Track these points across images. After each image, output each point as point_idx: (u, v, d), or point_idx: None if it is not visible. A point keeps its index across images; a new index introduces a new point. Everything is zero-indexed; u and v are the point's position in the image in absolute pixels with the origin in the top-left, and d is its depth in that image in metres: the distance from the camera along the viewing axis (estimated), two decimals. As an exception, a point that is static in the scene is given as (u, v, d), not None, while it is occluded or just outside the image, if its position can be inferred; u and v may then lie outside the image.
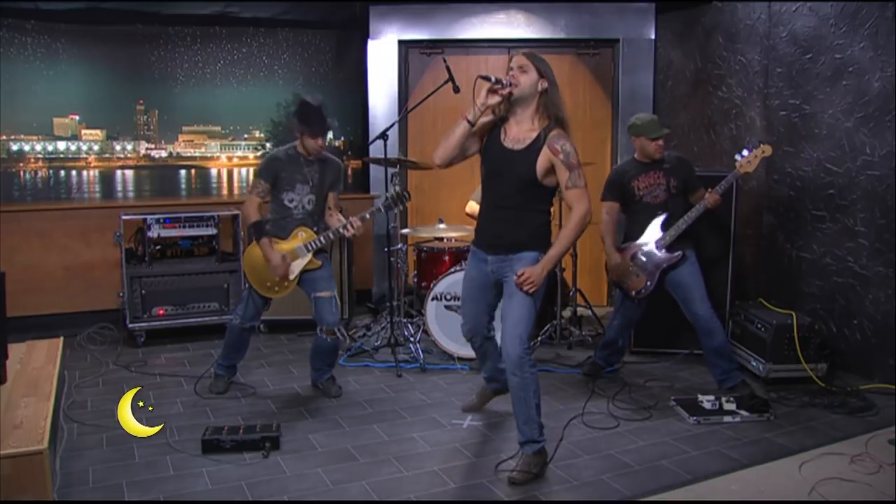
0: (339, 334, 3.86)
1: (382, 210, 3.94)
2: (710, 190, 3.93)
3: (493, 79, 2.83)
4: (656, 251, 3.96)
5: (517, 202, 2.94)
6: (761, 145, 3.97)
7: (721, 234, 4.53)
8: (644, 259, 3.99)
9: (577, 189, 2.88)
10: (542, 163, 2.87)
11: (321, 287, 3.85)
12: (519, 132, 2.93)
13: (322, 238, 3.83)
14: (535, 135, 2.90)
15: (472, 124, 2.89)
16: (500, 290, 3.11)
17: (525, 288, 2.88)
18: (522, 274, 2.88)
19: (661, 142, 3.98)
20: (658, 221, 3.97)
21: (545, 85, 2.90)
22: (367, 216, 3.85)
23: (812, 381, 4.00)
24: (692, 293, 3.90)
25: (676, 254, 3.92)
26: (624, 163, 4.20)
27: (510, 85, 2.85)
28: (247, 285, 3.94)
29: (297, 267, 3.83)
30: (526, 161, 2.88)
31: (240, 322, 3.90)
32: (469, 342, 3.42)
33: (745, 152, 3.96)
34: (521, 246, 2.96)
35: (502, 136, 2.95)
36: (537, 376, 3.00)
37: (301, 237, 3.83)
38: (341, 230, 3.80)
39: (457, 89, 4.29)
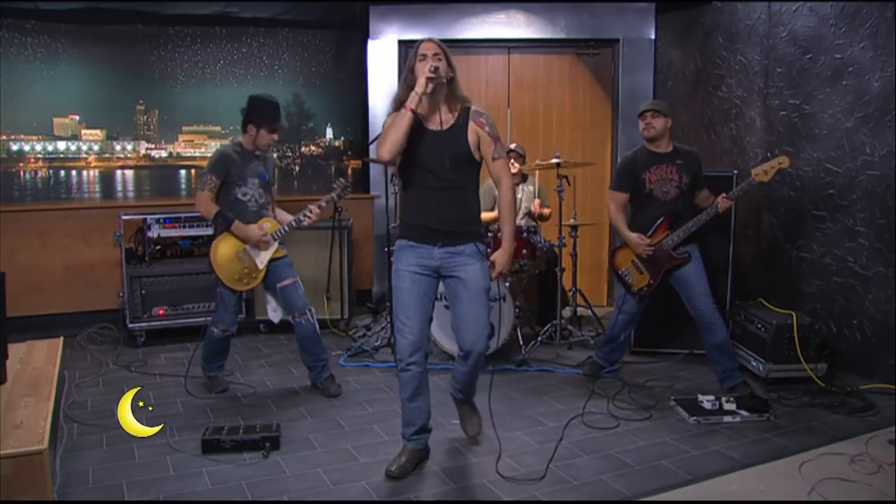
0: (310, 314, 3.92)
1: (335, 199, 4.09)
2: (723, 195, 3.88)
3: (432, 69, 2.86)
4: (661, 250, 3.94)
5: (456, 181, 2.94)
6: (780, 156, 3.91)
7: (721, 234, 4.53)
8: (649, 256, 3.98)
9: (502, 159, 3.03)
10: (471, 137, 2.95)
11: (284, 275, 3.93)
12: (438, 117, 2.96)
13: (286, 227, 3.93)
14: (455, 114, 2.97)
15: (415, 113, 2.89)
16: (435, 287, 3.05)
17: (495, 276, 3.02)
18: (492, 265, 3.01)
19: (647, 119, 3.93)
20: (667, 219, 3.92)
21: (451, 73, 2.96)
22: (324, 203, 3.97)
23: (812, 381, 4.00)
24: (695, 289, 3.90)
25: (682, 255, 3.91)
26: (634, 151, 4.09)
27: (437, 70, 2.87)
28: (217, 290, 3.90)
29: (266, 257, 3.90)
30: (457, 139, 2.93)
31: (222, 331, 3.92)
32: (407, 365, 2.97)
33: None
34: (469, 233, 2.97)
35: (425, 123, 2.95)
36: None
37: (267, 227, 3.90)
38: (302, 218, 3.91)
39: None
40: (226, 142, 5.73)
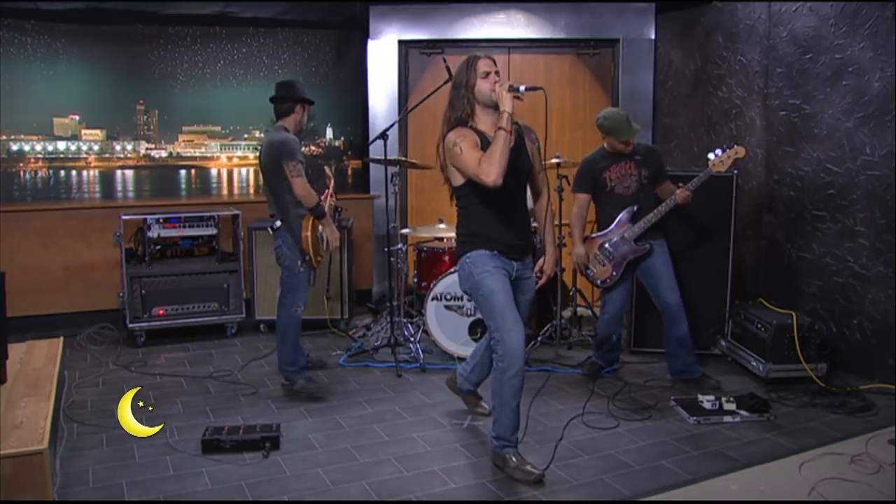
0: None
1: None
2: (680, 185, 3.97)
3: (522, 89, 2.86)
4: (623, 243, 4.02)
5: (523, 197, 3.10)
6: (735, 146, 3.98)
7: (721, 234, 4.53)
8: (611, 249, 4.07)
9: (544, 172, 3.22)
10: (529, 153, 3.08)
11: None
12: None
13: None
14: (514, 132, 2.93)
15: (481, 133, 2.95)
16: None
17: (544, 282, 3.22)
18: (541, 272, 3.22)
19: (630, 139, 4.02)
20: (627, 212, 4.03)
21: None
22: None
23: (812, 381, 3.99)
24: (662, 282, 3.99)
25: (643, 246, 4.00)
26: (594, 153, 4.18)
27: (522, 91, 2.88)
28: (302, 269, 3.95)
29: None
30: (523, 156, 3.03)
31: (303, 308, 4.01)
32: (522, 366, 2.95)
33: (718, 151, 3.97)
34: (529, 246, 3.18)
35: (490, 139, 2.93)
36: None
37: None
38: (332, 203, 4.25)
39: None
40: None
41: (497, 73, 2.94)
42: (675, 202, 3.95)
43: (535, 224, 5.08)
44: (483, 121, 2.98)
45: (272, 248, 4.05)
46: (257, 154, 5.89)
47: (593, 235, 4.17)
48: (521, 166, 3.00)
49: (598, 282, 4.16)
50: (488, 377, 3.45)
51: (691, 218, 4.43)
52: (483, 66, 2.93)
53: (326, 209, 4.08)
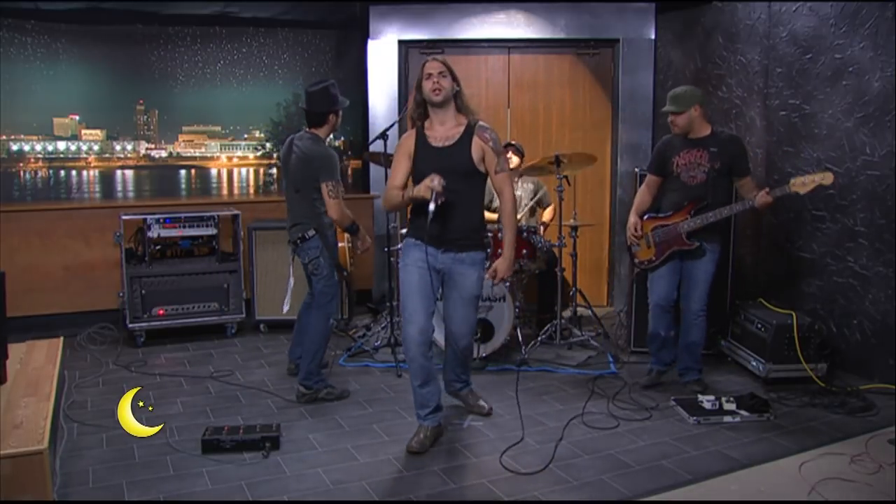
0: None
1: None
2: (766, 189, 3.68)
3: (432, 207, 2.99)
4: (674, 231, 3.88)
5: (459, 192, 3.12)
6: (824, 171, 3.69)
7: (721, 234, 4.52)
8: (661, 234, 3.94)
9: (504, 172, 3.23)
10: (475, 152, 3.16)
11: None
12: (445, 131, 3.18)
13: None
14: (462, 129, 3.17)
15: (420, 129, 3.22)
16: (438, 283, 3.28)
17: (497, 282, 3.28)
18: (495, 272, 3.25)
19: (671, 118, 3.84)
20: (694, 203, 3.84)
21: (458, 87, 3.18)
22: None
23: (812, 381, 4.00)
24: (693, 289, 3.90)
25: (692, 243, 3.84)
26: (672, 135, 4.00)
27: (441, 194, 3.01)
28: (335, 282, 3.92)
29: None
30: (461, 154, 3.15)
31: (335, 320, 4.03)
32: (415, 355, 3.19)
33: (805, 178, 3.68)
34: (471, 242, 3.23)
35: (429, 139, 3.19)
36: None
37: None
38: None
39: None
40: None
41: (441, 73, 3.11)
42: (751, 205, 3.70)
43: (532, 224, 5.12)
44: (431, 117, 3.21)
45: (303, 259, 3.84)
46: (258, 154, 5.95)
47: (653, 215, 4.01)
48: (455, 164, 3.12)
49: (637, 261, 4.09)
50: (467, 373, 3.70)
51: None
52: (427, 68, 3.15)
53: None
